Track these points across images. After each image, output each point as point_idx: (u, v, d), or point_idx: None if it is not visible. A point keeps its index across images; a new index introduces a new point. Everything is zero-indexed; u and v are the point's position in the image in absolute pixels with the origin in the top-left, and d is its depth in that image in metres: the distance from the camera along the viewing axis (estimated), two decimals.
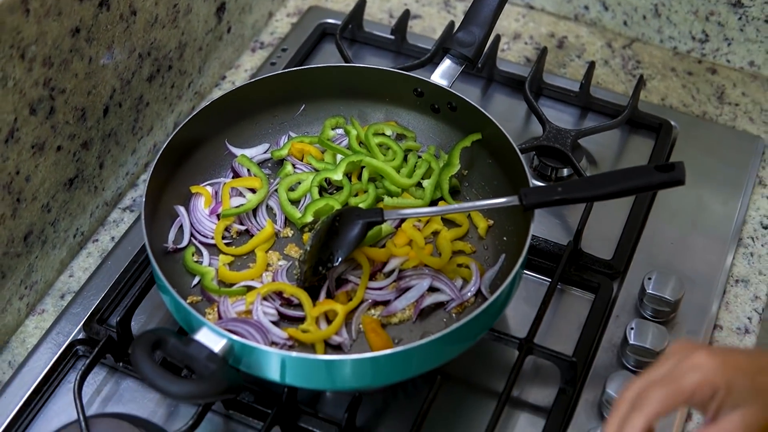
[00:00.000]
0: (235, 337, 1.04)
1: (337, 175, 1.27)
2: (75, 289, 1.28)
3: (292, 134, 1.36)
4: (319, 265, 1.16)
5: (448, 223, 1.28)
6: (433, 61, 1.47)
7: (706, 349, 0.88)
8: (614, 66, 1.58)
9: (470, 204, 1.19)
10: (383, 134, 1.33)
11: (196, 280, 1.22)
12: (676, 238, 1.35)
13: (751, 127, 1.50)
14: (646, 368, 0.91)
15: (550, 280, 1.28)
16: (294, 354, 1.05)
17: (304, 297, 1.17)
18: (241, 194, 1.28)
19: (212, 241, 1.25)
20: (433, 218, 1.26)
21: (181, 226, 1.25)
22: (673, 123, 1.47)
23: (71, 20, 1.15)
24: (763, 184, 1.43)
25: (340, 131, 1.36)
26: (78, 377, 1.13)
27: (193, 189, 1.27)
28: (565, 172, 1.41)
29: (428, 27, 1.62)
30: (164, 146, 1.22)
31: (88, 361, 1.15)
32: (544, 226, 1.34)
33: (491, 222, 1.28)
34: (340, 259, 1.15)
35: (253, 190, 1.28)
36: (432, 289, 1.20)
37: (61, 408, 1.17)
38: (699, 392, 0.85)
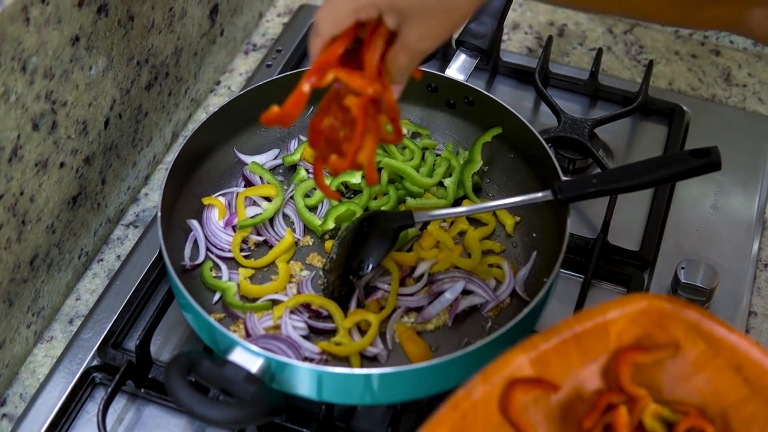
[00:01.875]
0: (271, 355, 0.99)
1: (356, 178, 1.22)
2: (83, 313, 1.21)
3: (303, 138, 1.30)
4: (348, 274, 1.11)
5: (474, 222, 1.23)
6: (435, 55, 1.42)
7: None
8: (617, 52, 1.54)
9: (502, 201, 1.13)
10: None
11: (216, 297, 1.16)
12: (701, 225, 1.32)
13: (761, 108, 1.47)
14: None
15: (576, 274, 1.24)
16: (333, 369, 0.99)
17: (333, 308, 1.11)
18: (255, 203, 1.22)
19: (230, 255, 1.19)
20: (459, 218, 1.21)
21: (195, 241, 1.19)
22: (684, 107, 1.44)
23: (71, 28, 1.09)
24: None
25: None
26: (101, 406, 1.07)
27: (205, 201, 1.21)
28: (577, 164, 1.36)
29: None
30: (174, 159, 1.16)
31: (110, 389, 1.08)
32: None
33: (518, 218, 1.23)
34: (371, 266, 1.10)
35: (268, 199, 1.22)
36: (465, 292, 1.15)
37: None
38: (361, 12, 0.90)
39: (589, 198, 1.10)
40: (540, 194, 1.10)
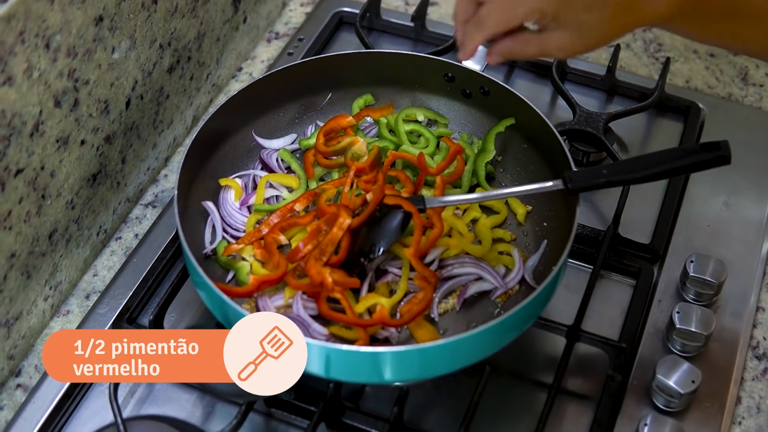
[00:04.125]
0: None
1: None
2: (100, 288, 1.24)
3: (320, 123, 1.32)
4: (360, 256, 1.13)
5: (486, 210, 1.24)
6: (456, 47, 1.43)
7: None
8: (636, 49, 1.55)
9: (513, 189, 1.14)
10: (415, 120, 1.30)
11: (230, 275, 1.18)
12: (712, 220, 1.32)
13: None
14: None
15: (587, 265, 1.25)
16: (342, 347, 1.01)
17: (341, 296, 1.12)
18: (272, 186, 1.24)
19: (244, 235, 1.20)
20: (472, 206, 1.23)
21: (214, 226, 1.21)
22: (700, 105, 1.45)
23: (95, 8, 1.11)
24: None
25: (369, 120, 1.32)
26: None
27: (222, 182, 1.23)
28: (591, 156, 1.38)
29: (446, 13, 1.59)
30: (192, 140, 1.18)
31: None
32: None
33: (530, 208, 1.25)
34: (382, 250, 1.12)
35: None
36: (475, 278, 1.17)
37: (94, 411, 1.13)
38: (529, 16, 1.04)
39: (599, 188, 1.11)
40: (551, 183, 1.12)
